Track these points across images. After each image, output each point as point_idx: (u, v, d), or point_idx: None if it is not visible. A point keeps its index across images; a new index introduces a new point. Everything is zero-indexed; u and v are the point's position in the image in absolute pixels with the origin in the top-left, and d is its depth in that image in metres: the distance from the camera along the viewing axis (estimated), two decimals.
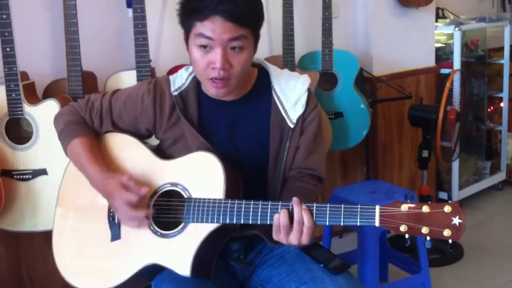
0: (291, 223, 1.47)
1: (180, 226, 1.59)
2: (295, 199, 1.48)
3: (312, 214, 1.47)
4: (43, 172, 2.25)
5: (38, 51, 2.49)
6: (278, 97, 1.69)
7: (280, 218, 1.48)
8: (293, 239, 1.48)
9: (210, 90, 1.62)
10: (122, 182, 1.60)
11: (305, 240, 1.48)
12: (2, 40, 2.16)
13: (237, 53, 1.55)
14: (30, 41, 2.44)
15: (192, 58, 1.59)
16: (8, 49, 2.16)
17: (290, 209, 1.48)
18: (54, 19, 2.47)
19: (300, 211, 1.46)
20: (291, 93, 1.69)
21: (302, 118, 1.68)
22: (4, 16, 2.14)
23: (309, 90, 1.70)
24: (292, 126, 1.67)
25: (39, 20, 2.48)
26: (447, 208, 1.37)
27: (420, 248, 2.73)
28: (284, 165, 1.69)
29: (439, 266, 3.16)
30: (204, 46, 1.54)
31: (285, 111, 1.68)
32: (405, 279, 2.80)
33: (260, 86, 1.71)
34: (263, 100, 1.70)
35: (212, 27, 1.50)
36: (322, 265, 1.65)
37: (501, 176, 4.33)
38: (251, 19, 1.56)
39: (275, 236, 1.50)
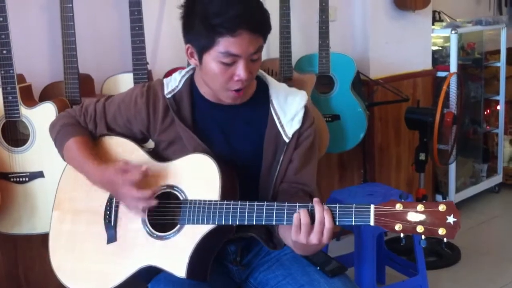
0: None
1: (176, 228, 1.58)
2: (316, 199, 1.46)
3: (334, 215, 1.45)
4: (40, 174, 2.25)
5: (35, 54, 2.49)
6: (275, 110, 1.69)
7: (300, 217, 1.45)
8: (314, 239, 1.45)
9: (227, 99, 1.63)
10: (120, 167, 1.60)
11: (326, 239, 1.45)
12: None
13: (255, 62, 1.59)
14: (27, 44, 2.44)
15: (211, 72, 1.57)
16: (4, 52, 2.16)
17: (309, 209, 1.46)
18: (51, 22, 2.47)
19: (322, 211, 1.44)
20: (289, 108, 1.69)
21: (298, 134, 1.68)
22: (1, 19, 2.14)
23: (306, 107, 1.71)
24: (287, 140, 1.67)
25: (36, 22, 2.48)
26: (441, 207, 1.38)
27: (417, 250, 2.72)
28: (276, 176, 1.68)
29: (436, 268, 3.16)
30: (229, 63, 1.54)
31: (281, 126, 1.68)
32: (402, 282, 2.81)
33: (258, 97, 1.71)
34: (260, 110, 1.70)
35: (239, 42, 1.51)
36: (318, 268, 1.65)
37: (498, 178, 4.33)
38: (268, 26, 1.60)
39: (294, 236, 1.47)
